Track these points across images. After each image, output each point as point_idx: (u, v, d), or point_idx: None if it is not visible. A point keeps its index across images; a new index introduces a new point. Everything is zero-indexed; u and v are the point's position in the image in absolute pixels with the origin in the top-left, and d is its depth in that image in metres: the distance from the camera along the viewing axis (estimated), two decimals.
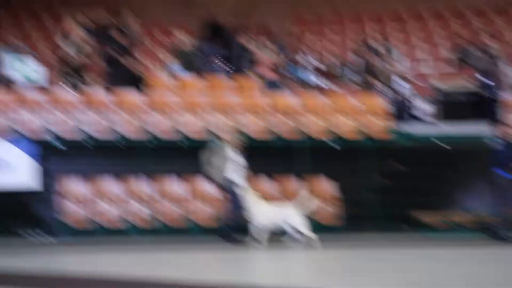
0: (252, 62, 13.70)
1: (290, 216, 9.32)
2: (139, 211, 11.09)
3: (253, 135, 11.71)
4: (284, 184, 11.61)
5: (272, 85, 13.33)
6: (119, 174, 11.42)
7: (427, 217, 11.67)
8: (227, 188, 10.14)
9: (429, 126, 12.77)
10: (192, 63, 13.21)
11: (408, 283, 5.84)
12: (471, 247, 9.36)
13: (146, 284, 6.06)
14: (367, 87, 13.88)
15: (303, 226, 9.27)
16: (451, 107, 12.81)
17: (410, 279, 6.10)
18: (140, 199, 11.18)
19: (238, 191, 9.96)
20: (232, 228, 9.99)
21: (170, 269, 7.27)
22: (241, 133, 10.93)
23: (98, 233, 10.82)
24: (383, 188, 11.89)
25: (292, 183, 11.59)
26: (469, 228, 10.78)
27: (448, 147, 11.77)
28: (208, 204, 11.20)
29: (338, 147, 11.74)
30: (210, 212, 11.10)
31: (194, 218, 11.13)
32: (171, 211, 11.15)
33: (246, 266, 8.07)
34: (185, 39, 13.38)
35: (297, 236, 9.31)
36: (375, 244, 10.01)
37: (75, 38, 12.60)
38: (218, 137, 10.73)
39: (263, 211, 9.41)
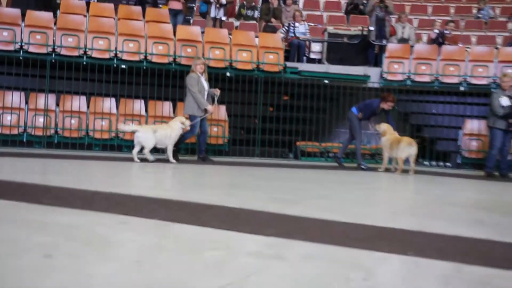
0: None
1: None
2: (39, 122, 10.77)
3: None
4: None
5: (177, 16, 13.14)
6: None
7: (307, 145, 12.00)
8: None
9: (318, 65, 13.00)
10: None
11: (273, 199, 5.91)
12: (337, 171, 9.65)
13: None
14: (267, 26, 13.89)
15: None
16: (339, 49, 13.03)
17: (276, 195, 6.12)
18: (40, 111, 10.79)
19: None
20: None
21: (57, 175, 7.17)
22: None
23: None
24: (271, 118, 12.10)
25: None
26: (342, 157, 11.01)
27: (326, 82, 12.10)
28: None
29: (230, 75, 11.75)
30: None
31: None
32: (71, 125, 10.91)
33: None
34: None
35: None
36: (254, 164, 10.08)
37: None
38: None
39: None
